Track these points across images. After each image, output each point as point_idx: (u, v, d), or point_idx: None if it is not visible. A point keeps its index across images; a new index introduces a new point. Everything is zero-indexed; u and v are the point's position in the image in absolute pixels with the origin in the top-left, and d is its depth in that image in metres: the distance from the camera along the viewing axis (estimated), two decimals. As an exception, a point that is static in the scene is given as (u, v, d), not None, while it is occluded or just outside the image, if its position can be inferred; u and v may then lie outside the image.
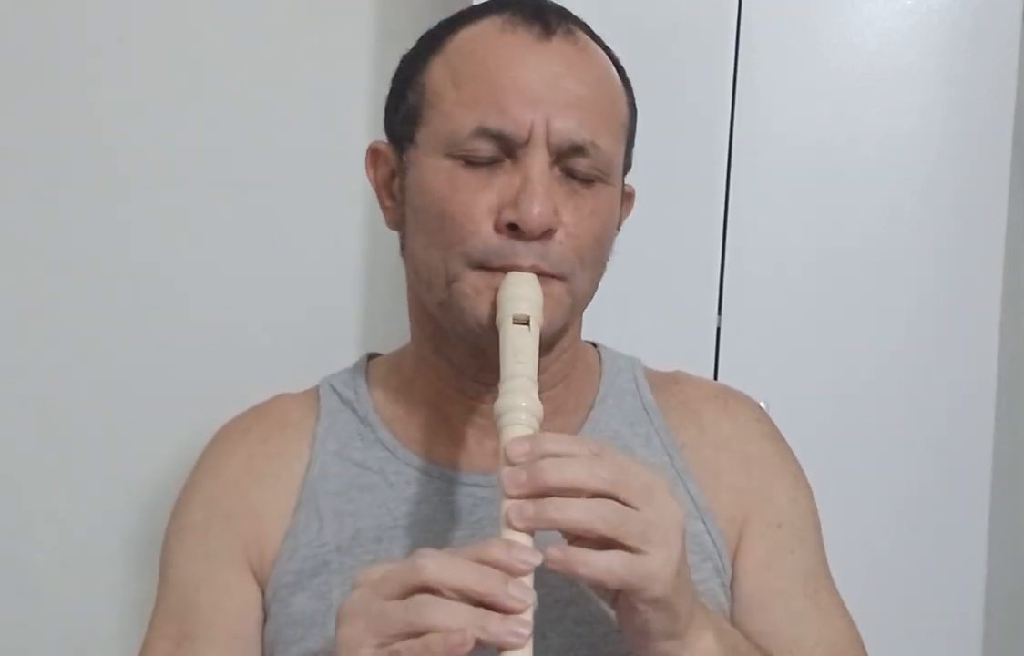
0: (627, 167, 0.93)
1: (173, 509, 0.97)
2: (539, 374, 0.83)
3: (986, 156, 1.29)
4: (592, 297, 0.91)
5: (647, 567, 0.71)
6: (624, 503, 0.71)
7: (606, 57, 0.90)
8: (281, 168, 1.41)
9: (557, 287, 0.84)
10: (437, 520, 0.89)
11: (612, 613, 0.84)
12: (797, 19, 1.28)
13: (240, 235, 1.40)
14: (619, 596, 0.74)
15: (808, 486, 0.98)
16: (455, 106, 0.84)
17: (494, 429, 0.89)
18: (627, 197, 0.96)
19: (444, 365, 0.91)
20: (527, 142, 0.82)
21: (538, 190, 0.81)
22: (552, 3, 0.89)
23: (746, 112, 1.27)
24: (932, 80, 1.28)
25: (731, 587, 0.92)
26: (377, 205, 0.96)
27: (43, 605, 1.37)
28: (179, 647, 0.89)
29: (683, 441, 0.95)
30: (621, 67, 0.92)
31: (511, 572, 0.69)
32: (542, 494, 0.70)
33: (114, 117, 1.37)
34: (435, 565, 0.68)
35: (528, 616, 0.69)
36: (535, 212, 0.80)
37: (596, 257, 0.87)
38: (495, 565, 0.69)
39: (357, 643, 0.69)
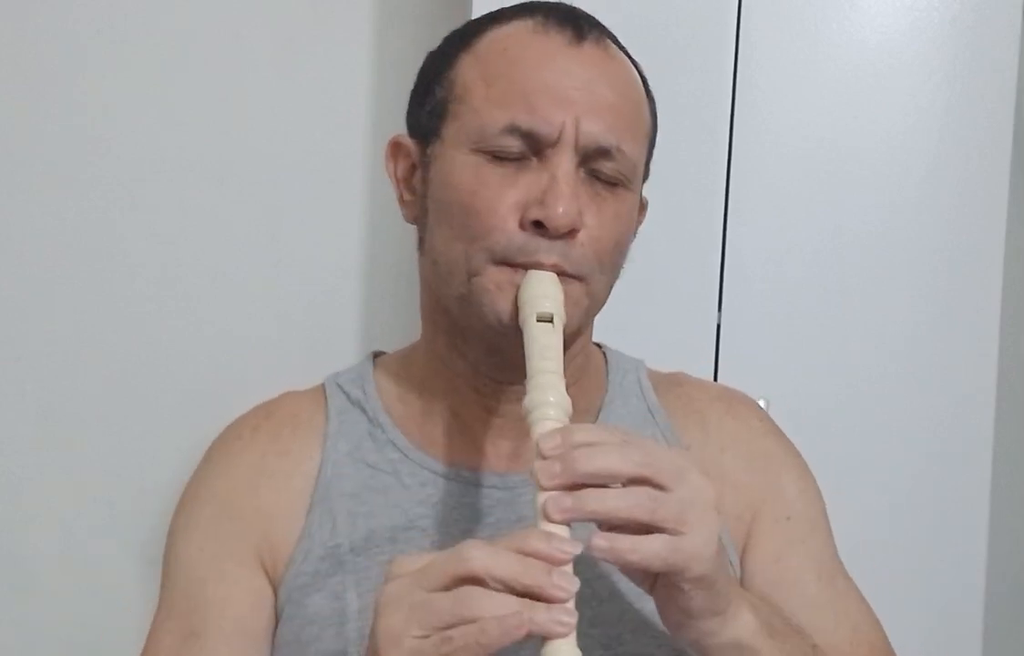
0: (645, 176, 0.94)
1: (178, 505, 0.95)
2: None
3: (986, 156, 1.29)
4: (605, 302, 0.91)
5: (688, 547, 0.71)
6: (657, 486, 0.71)
7: (632, 67, 0.91)
8: (281, 167, 1.41)
9: (576, 288, 0.84)
10: (453, 522, 0.89)
11: (626, 613, 0.85)
12: (797, 18, 1.28)
13: (241, 234, 1.41)
14: (659, 580, 0.74)
15: (813, 478, 0.98)
16: (485, 102, 0.85)
17: (509, 429, 0.89)
18: (641, 208, 0.96)
19: (459, 363, 0.90)
20: (556, 142, 0.83)
21: (565, 190, 0.82)
22: (581, 10, 0.90)
23: (746, 112, 1.27)
24: (932, 78, 1.28)
25: (741, 584, 0.92)
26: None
27: (43, 605, 1.37)
28: (184, 642, 0.88)
29: (688, 442, 0.95)
30: (644, 77, 0.93)
31: (552, 562, 0.68)
32: (576, 484, 0.70)
33: (114, 116, 1.38)
34: (482, 556, 0.68)
35: (572, 605, 0.68)
36: (561, 211, 0.81)
37: (614, 261, 0.88)
38: (536, 556, 0.68)
39: (399, 633, 0.68)
